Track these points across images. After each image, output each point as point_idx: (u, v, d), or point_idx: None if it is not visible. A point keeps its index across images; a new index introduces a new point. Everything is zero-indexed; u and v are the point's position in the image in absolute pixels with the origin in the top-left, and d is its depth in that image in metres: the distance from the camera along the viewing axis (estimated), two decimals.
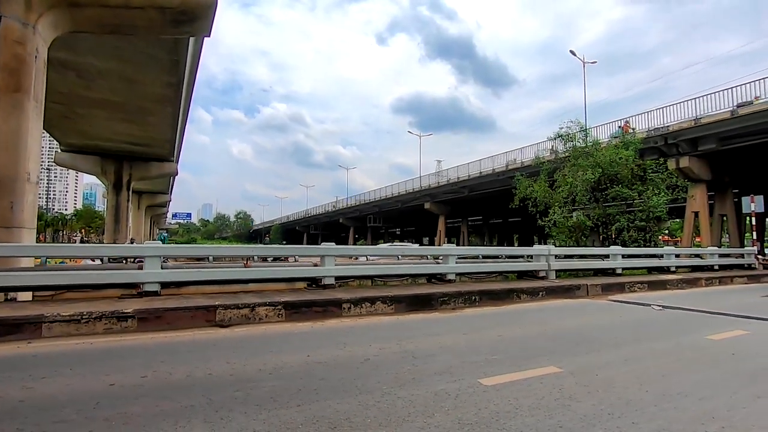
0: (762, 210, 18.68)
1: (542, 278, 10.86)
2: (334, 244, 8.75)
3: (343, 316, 6.81)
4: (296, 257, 10.82)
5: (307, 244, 62.69)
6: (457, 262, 10.11)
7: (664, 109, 21.11)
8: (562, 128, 20.40)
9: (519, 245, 53.54)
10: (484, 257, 12.76)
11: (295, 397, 3.25)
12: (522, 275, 11.21)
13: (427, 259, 10.91)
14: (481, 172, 34.95)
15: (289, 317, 6.44)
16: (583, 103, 28.19)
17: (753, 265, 17.27)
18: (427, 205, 44.39)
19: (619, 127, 22.07)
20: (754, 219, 19.03)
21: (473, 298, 8.13)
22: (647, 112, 21.75)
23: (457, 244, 45.76)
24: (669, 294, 10.93)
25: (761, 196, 18.17)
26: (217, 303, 6.13)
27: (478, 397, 3.28)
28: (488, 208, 46.13)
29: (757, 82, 18.20)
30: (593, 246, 17.56)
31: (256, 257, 8.76)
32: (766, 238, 33.54)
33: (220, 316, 6.04)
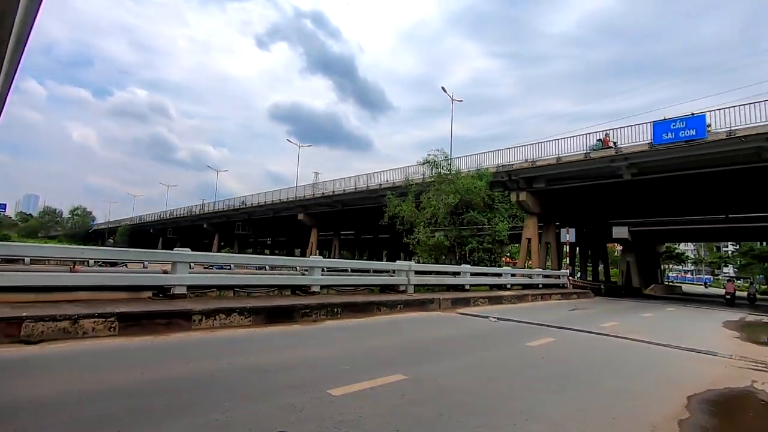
0: (573, 240, 23.08)
1: (402, 292, 11.56)
2: (189, 249, 7.97)
3: (192, 329, 6.20)
4: (145, 263, 9.56)
5: (163, 249, 55.86)
6: (323, 275, 10.14)
7: (511, 149, 24.84)
8: (430, 155, 22.39)
9: (387, 261, 56.34)
10: (353, 270, 13.07)
11: (110, 422, 2.81)
12: (384, 289, 11.75)
13: (296, 270, 10.73)
14: (355, 188, 35.99)
15: (125, 331, 5.61)
16: (449, 135, 31.76)
17: (565, 285, 21.13)
18: (300, 216, 43.80)
19: (598, 140, 21.43)
20: (568, 247, 23.37)
21: (335, 310, 8.22)
22: (497, 150, 25.31)
23: (329, 257, 45.99)
24: (504, 308, 12.64)
25: (573, 229, 22.47)
26: (24, 314, 5.02)
27: (325, 407, 3.30)
28: (360, 223, 47.61)
29: (580, 136, 22.69)
30: (450, 264, 19.44)
31: (91, 261, 7.48)
32: (576, 264, 41.44)
33: (28, 330, 4.95)
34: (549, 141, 23.36)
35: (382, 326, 7.80)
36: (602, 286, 26.72)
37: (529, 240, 25.65)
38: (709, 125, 17.52)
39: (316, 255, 41.34)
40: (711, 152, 17.77)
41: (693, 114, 18.03)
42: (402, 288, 11.68)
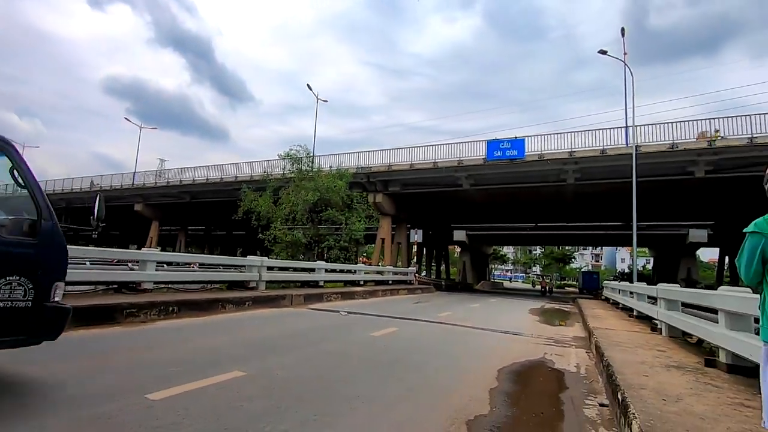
0: (421, 240, 25.32)
1: (252, 288, 10.97)
2: None
3: None
4: None
5: None
6: (159, 270, 8.95)
7: (371, 152, 26.01)
8: (292, 150, 21.89)
9: None
10: (201, 266, 11.93)
11: None
12: (233, 285, 10.99)
13: (127, 265, 9.28)
14: (207, 179, 33.02)
15: None
16: (313, 134, 31.53)
17: (412, 281, 23.00)
18: (138, 207, 38.15)
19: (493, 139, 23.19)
20: (416, 247, 25.49)
21: (171, 309, 7.32)
22: (358, 152, 26.23)
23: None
24: (356, 303, 13.06)
25: (421, 230, 24.64)
26: None
27: (140, 414, 2.85)
28: (212, 217, 43.89)
29: (431, 147, 25.00)
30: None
31: None
32: (423, 262, 45.56)
33: None
34: (405, 148, 25.21)
35: (225, 324, 7.25)
36: (443, 283, 29.94)
37: (383, 240, 27.19)
38: (529, 150, 21.24)
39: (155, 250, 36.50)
40: (527, 170, 21.56)
41: (516, 137, 21.61)
42: (253, 285, 11.09)
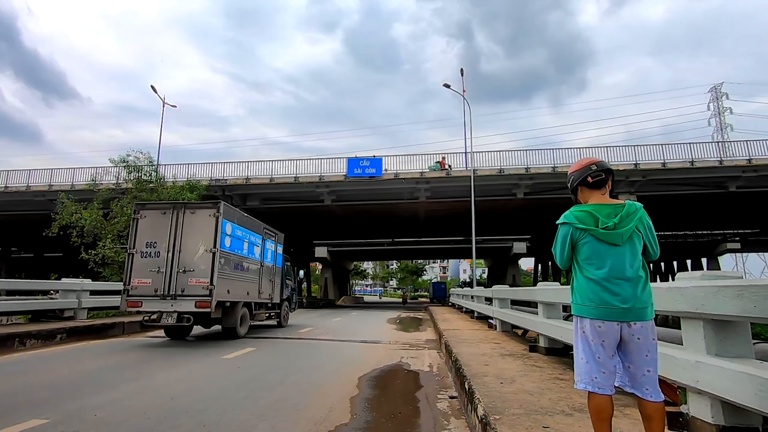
0: None
1: (69, 318, 8.96)
2: None
3: None
4: None
5: None
6: None
7: (226, 164, 24.30)
8: (129, 156, 18.96)
9: None
10: None
11: None
12: (41, 315, 8.80)
13: None
14: (6, 187, 26.33)
15: None
16: (158, 143, 27.68)
17: None
18: None
19: (436, 162, 22.83)
20: None
21: None
22: (212, 163, 24.24)
23: None
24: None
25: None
26: None
27: None
28: (14, 236, 35.10)
29: (292, 161, 24.50)
30: None
31: None
32: None
33: None
34: (265, 161, 24.24)
35: (25, 365, 5.69)
36: (304, 300, 29.31)
37: None
38: (386, 169, 22.59)
39: None
40: (385, 187, 22.89)
41: (375, 156, 22.82)
42: (69, 314, 9.06)
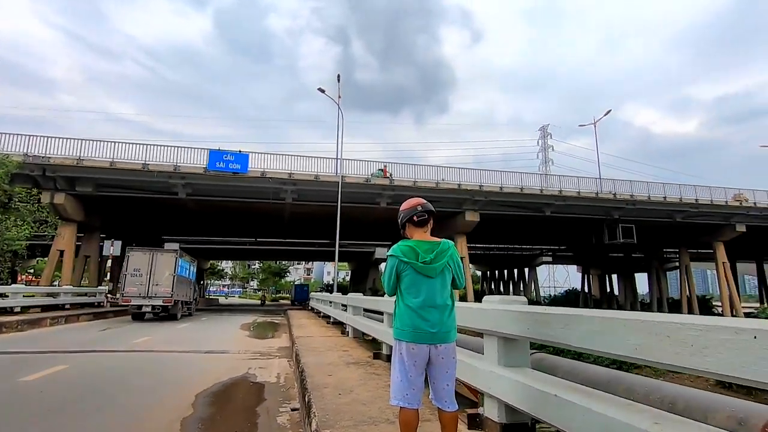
0: (118, 253, 21.26)
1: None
2: None
3: None
4: None
5: None
6: None
7: (50, 139, 20.01)
8: None
9: None
10: None
11: None
12: None
13: None
14: None
15: None
16: None
17: (102, 303, 18.88)
18: None
19: (379, 169, 23.09)
20: (111, 261, 21.17)
21: None
22: (30, 136, 19.72)
23: None
24: (6, 337, 9.56)
25: (120, 242, 20.73)
26: None
27: None
28: None
29: (141, 145, 21.45)
30: None
31: None
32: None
33: None
34: (106, 142, 20.76)
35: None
36: None
37: (62, 252, 21.28)
38: (253, 167, 21.50)
39: None
40: (250, 186, 21.76)
41: (241, 151, 21.54)
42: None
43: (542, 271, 63.59)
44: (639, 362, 1.77)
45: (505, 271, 52.38)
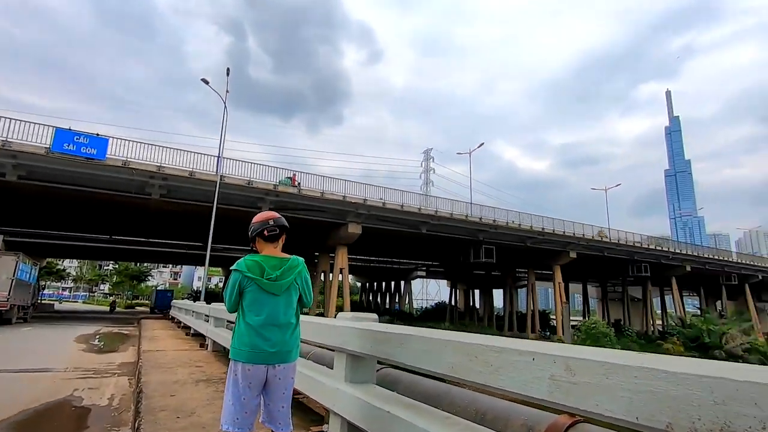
0: None
1: None
2: None
3: None
4: None
5: None
6: None
7: None
8: None
9: None
10: None
11: None
12: None
13: None
14: None
15: None
16: None
17: None
18: None
19: (288, 177, 22.89)
20: None
21: None
22: None
23: None
24: None
25: None
26: None
27: None
28: None
29: None
30: None
31: None
32: None
33: None
34: None
35: None
36: None
37: None
38: (113, 154, 18.74)
39: None
40: (107, 175, 18.91)
41: (99, 134, 18.65)
42: None
43: (417, 284, 67.62)
44: (455, 380, 1.95)
45: (384, 283, 54.46)
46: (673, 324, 35.80)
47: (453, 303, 46.66)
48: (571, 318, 41.47)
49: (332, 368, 3.37)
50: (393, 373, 3.10)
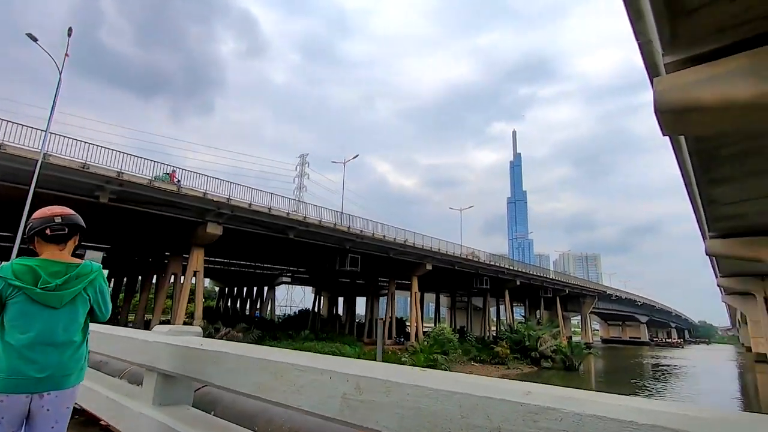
0: None
1: None
2: None
3: None
4: None
5: None
6: None
7: None
8: None
9: None
10: None
11: None
12: None
13: None
14: None
15: None
16: None
17: None
18: None
19: (165, 173, 20.92)
20: None
21: None
22: None
23: None
24: None
25: None
26: None
27: None
28: None
29: None
30: None
31: None
32: None
33: None
34: None
35: None
36: None
37: None
38: None
39: None
40: None
41: None
42: None
43: (282, 290, 65.68)
44: (260, 400, 1.87)
45: (245, 289, 51.47)
46: (504, 330, 41.58)
47: (317, 310, 46.52)
48: (425, 325, 45.04)
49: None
50: (214, 392, 2.86)
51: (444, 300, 58.73)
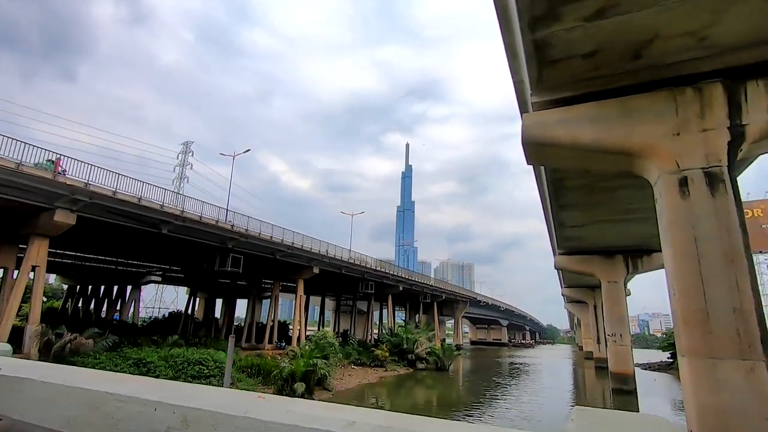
0: None
1: None
2: None
3: None
4: None
5: None
6: None
7: None
8: None
9: None
10: None
11: None
12: None
13: None
14: None
15: None
16: None
17: None
18: None
19: (49, 160, 18.85)
20: None
21: None
22: None
23: None
24: None
25: None
26: None
27: None
28: None
29: None
30: None
31: None
32: None
33: None
34: None
35: None
36: None
37: None
38: None
39: None
40: None
41: None
42: None
43: (150, 289, 58.91)
44: None
45: (103, 287, 44.85)
46: (385, 333, 43.09)
47: (191, 312, 42.64)
48: (309, 328, 44.35)
49: None
50: (18, 424, 2.36)
51: (329, 303, 58.71)
